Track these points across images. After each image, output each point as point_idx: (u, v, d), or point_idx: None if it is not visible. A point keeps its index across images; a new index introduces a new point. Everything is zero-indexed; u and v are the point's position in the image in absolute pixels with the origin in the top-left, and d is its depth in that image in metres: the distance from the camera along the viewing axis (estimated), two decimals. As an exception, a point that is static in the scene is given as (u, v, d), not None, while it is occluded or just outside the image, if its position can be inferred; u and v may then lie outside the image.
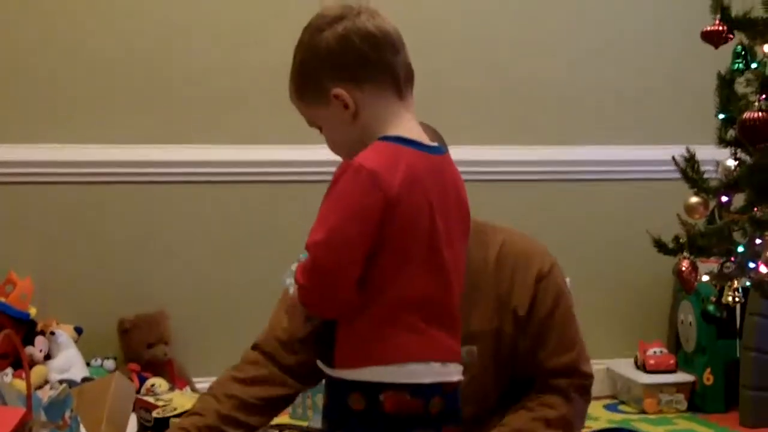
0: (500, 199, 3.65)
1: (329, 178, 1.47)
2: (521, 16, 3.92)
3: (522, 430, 1.88)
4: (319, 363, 1.53)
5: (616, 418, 3.65)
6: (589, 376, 2.05)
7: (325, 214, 1.44)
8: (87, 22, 3.57)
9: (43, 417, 1.65)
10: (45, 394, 2.22)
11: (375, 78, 1.50)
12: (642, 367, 3.80)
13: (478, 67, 3.87)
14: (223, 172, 3.65)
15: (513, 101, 3.91)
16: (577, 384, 2.01)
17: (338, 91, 1.49)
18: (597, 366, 3.88)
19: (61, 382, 2.98)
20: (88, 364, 3.27)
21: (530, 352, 1.97)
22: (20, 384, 2.46)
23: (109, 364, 3.35)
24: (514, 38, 3.91)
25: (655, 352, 3.80)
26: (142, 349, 3.42)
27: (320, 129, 1.56)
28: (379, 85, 1.51)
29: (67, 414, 1.69)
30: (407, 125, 1.53)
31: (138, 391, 3.09)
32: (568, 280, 3.93)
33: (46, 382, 3.03)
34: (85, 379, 3.06)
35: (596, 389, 3.83)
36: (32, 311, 3.32)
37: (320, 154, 1.71)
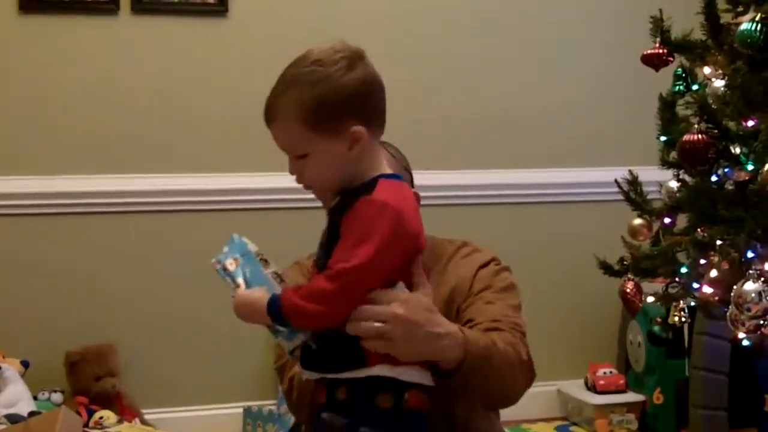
0: (449, 222, 3.65)
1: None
2: (468, 39, 3.96)
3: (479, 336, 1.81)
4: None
5: (568, 440, 3.68)
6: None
7: (356, 244, 1.53)
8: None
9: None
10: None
11: (378, 121, 1.64)
12: (592, 388, 3.82)
13: (431, 92, 3.91)
14: (170, 201, 3.63)
15: (461, 126, 3.94)
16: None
17: (358, 129, 1.59)
18: (548, 388, 3.95)
19: (7, 416, 2.93)
20: (35, 398, 3.23)
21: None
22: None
23: (57, 397, 3.30)
24: (461, 62, 3.94)
25: (605, 373, 3.83)
26: (90, 382, 3.38)
27: (301, 157, 1.60)
28: (378, 128, 1.64)
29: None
30: (386, 161, 1.68)
31: (86, 425, 3.06)
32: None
33: (-7, 417, 2.99)
34: (32, 413, 3.01)
35: (547, 411, 3.92)
36: (-23, 346, 3.27)
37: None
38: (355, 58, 1.60)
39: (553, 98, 4.03)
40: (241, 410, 3.64)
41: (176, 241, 3.64)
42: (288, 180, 1.67)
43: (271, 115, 1.62)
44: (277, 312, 1.53)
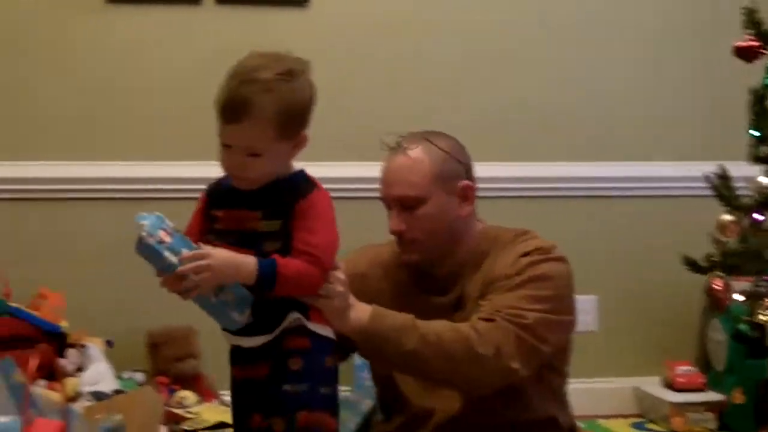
0: (531, 216, 3.64)
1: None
2: (535, 24, 3.93)
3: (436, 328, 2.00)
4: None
5: (644, 437, 3.65)
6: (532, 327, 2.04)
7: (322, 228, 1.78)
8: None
9: (77, 429, 1.67)
10: (81, 407, 2.24)
11: None
12: (670, 385, 3.78)
13: (505, 82, 3.89)
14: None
15: (552, 117, 3.92)
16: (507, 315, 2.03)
17: (305, 134, 1.78)
18: (623, 384, 3.92)
19: (92, 394, 2.99)
20: (118, 377, 3.28)
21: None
22: (54, 396, 2.49)
23: (139, 376, 3.35)
24: (531, 50, 3.92)
25: (683, 371, 3.78)
26: (171, 363, 3.42)
27: (251, 155, 1.72)
28: None
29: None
30: None
31: (167, 404, 3.11)
32: (595, 297, 3.94)
33: (78, 394, 3.04)
34: (115, 392, 3.06)
35: (623, 407, 3.88)
36: (64, 324, 3.33)
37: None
38: (309, 71, 1.78)
39: (644, 92, 3.98)
40: (316, 396, 3.67)
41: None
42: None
43: (242, 112, 1.69)
44: (269, 274, 1.67)
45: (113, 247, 3.56)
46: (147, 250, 1.64)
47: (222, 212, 1.78)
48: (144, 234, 1.63)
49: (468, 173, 2.21)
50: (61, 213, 3.61)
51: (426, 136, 2.19)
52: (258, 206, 1.74)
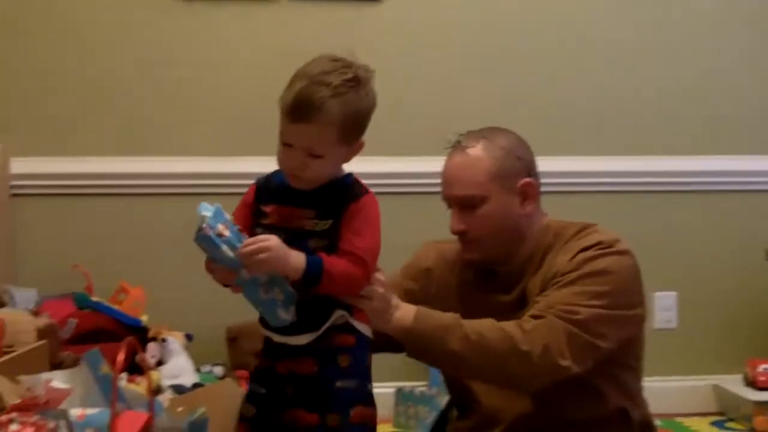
0: (611, 211, 3.61)
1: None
2: (621, 17, 3.89)
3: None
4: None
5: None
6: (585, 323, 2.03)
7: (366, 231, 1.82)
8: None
9: (163, 422, 1.69)
10: (165, 400, 2.27)
11: None
12: (752, 384, 3.72)
13: (586, 76, 3.87)
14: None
15: (629, 112, 3.89)
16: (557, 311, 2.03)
17: (362, 141, 1.83)
18: (703, 382, 3.86)
19: (172, 387, 3.03)
20: (198, 371, 3.33)
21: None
22: (139, 388, 2.53)
23: (218, 370, 3.39)
24: (631, 49, 3.90)
25: (766, 369, 3.71)
26: (249, 356, 3.45)
27: (313, 156, 1.76)
28: None
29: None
30: None
31: (246, 398, 3.13)
32: (675, 294, 3.89)
33: (159, 387, 3.09)
34: (195, 385, 3.10)
35: (703, 405, 3.83)
36: (144, 318, 3.39)
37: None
38: (373, 80, 1.81)
39: (725, 85, 3.94)
40: (393, 390, 3.69)
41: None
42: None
43: (309, 113, 1.73)
44: (316, 271, 1.72)
45: (193, 242, 3.62)
46: (206, 242, 1.69)
47: (272, 208, 1.82)
48: (205, 225, 1.67)
49: (530, 170, 2.19)
50: (141, 208, 3.69)
51: (486, 134, 2.19)
52: (311, 205, 1.78)
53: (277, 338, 1.83)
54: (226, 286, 1.80)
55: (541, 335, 1.98)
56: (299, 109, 1.73)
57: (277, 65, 3.64)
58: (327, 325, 1.79)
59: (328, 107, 1.72)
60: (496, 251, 2.18)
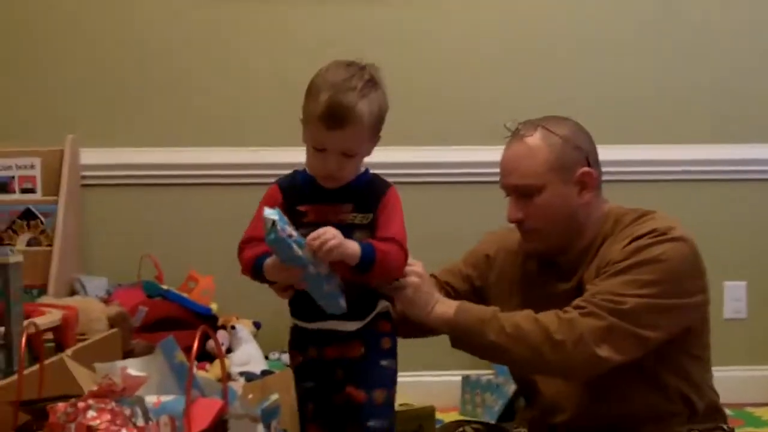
0: (680, 200, 3.57)
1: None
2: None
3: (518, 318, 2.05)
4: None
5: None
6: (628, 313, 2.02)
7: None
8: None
9: (236, 409, 1.71)
10: (238, 387, 2.30)
11: None
12: (824, 373, 3.67)
13: (644, 67, 3.83)
14: (414, 173, 3.71)
15: (709, 99, 3.86)
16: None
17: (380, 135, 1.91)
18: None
19: (241, 374, 3.07)
20: (266, 358, 3.36)
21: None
22: (211, 375, 2.57)
23: (286, 357, 3.41)
24: (676, 28, 3.86)
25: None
26: (316, 344, 3.49)
27: (348, 156, 1.84)
28: None
29: (274, 424, 1.77)
30: None
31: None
32: (745, 283, 3.84)
33: (228, 374, 3.13)
34: (264, 372, 3.14)
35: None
36: (213, 307, 3.44)
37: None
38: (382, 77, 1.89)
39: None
40: (459, 378, 3.69)
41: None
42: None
43: (346, 119, 1.81)
44: (371, 255, 1.81)
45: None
46: (280, 244, 1.75)
47: (309, 207, 1.88)
48: (279, 228, 1.73)
49: (589, 159, 2.17)
50: (210, 198, 3.73)
51: (544, 123, 2.17)
52: (346, 200, 1.87)
53: (326, 325, 1.89)
54: (284, 291, 1.90)
55: (577, 325, 1.99)
56: (334, 116, 1.80)
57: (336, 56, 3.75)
58: (375, 312, 1.91)
59: (359, 110, 1.81)
60: (555, 241, 2.17)
